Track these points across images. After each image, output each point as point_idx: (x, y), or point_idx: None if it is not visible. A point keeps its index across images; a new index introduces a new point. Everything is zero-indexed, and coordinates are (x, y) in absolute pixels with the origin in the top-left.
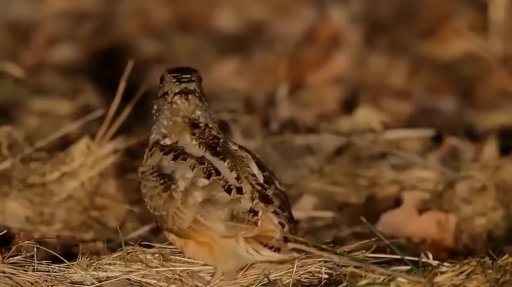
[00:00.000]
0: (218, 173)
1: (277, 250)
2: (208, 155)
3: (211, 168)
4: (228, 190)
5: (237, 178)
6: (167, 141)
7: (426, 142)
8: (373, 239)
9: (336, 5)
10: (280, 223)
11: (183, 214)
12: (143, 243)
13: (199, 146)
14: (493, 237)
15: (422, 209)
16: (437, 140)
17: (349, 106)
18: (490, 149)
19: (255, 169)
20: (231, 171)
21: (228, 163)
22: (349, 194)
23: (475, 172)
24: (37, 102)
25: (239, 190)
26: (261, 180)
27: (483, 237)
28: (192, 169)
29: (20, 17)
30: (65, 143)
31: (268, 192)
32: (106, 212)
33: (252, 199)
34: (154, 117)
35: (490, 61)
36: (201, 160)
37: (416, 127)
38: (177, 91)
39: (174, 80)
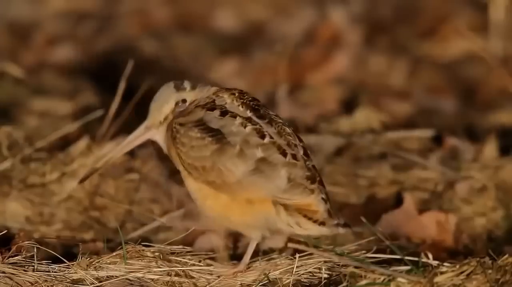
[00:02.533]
0: (270, 136)
1: (322, 224)
2: (254, 118)
3: (263, 130)
4: (284, 154)
5: (288, 145)
6: (201, 102)
7: (426, 142)
8: (373, 239)
9: (336, 5)
10: (322, 198)
11: (235, 168)
12: (143, 243)
13: (242, 106)
14: (493, 237)
15: (422, 209)
16: (437, 140)
17: (349, 106)
18: (490, 149)
19: (296, 139)
20: (281, 137)
21: (275, 129)
22: (349, 194)
23: (475, 172)
24: (37, 102)
25: (294, 156)
26: (301, 152)
27: (483, 237)
28: (245, 127)
29: (20, 17)
30: (65, 143)
31: (309, 164)
32: (106, 212)
33: (306, 167)
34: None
35: (490, 61)
36: (250, 120)
37: (416, 127)
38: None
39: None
